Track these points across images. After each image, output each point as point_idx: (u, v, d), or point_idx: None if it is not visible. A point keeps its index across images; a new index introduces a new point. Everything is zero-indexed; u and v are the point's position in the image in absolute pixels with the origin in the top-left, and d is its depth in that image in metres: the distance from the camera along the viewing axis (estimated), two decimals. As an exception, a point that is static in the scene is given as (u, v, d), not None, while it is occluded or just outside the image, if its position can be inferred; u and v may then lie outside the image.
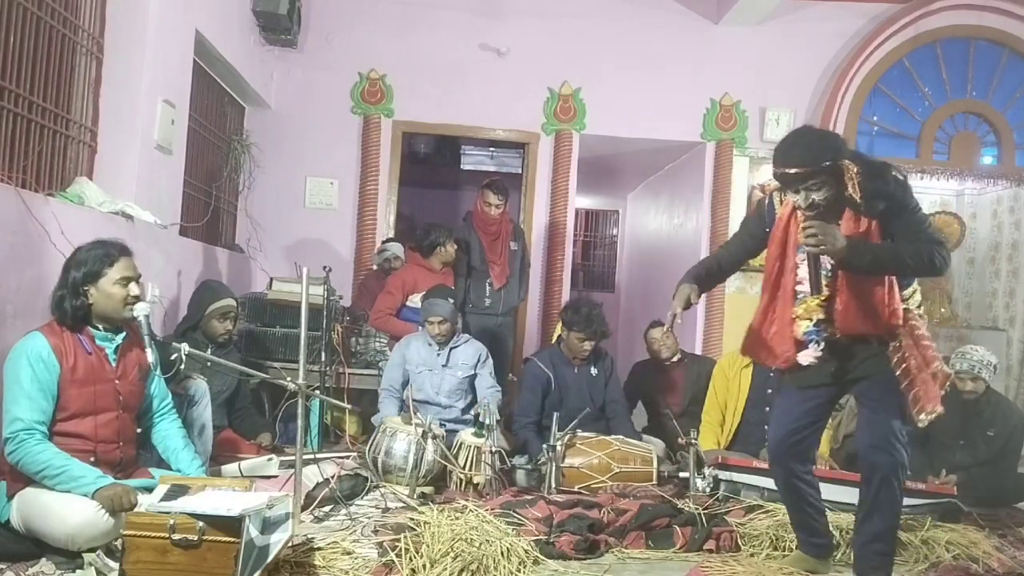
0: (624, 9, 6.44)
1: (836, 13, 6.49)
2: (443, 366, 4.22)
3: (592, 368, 4.36)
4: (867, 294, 2.50)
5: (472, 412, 4.12)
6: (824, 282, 2.52)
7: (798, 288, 2.60)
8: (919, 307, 2.63)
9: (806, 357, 2.61)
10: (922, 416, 2.44)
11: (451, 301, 4.23)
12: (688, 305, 2.69)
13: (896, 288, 2.52)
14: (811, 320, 2.56)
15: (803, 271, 2.58)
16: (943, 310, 7.73)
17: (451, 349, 4.25)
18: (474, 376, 4.27)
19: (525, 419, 4.19)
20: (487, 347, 4.42)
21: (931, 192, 8.04)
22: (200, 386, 3.34)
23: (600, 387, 4.36)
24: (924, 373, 2.49)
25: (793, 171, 2.45)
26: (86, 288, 2.56)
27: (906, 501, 3.55)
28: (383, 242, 6.00)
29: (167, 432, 2.87)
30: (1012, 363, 7.16)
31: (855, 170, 2.48)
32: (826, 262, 2.53)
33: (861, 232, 2.48)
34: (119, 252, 2.63)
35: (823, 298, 2.54)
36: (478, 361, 4.27)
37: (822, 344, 2.59)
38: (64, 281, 2.57)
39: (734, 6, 6.16)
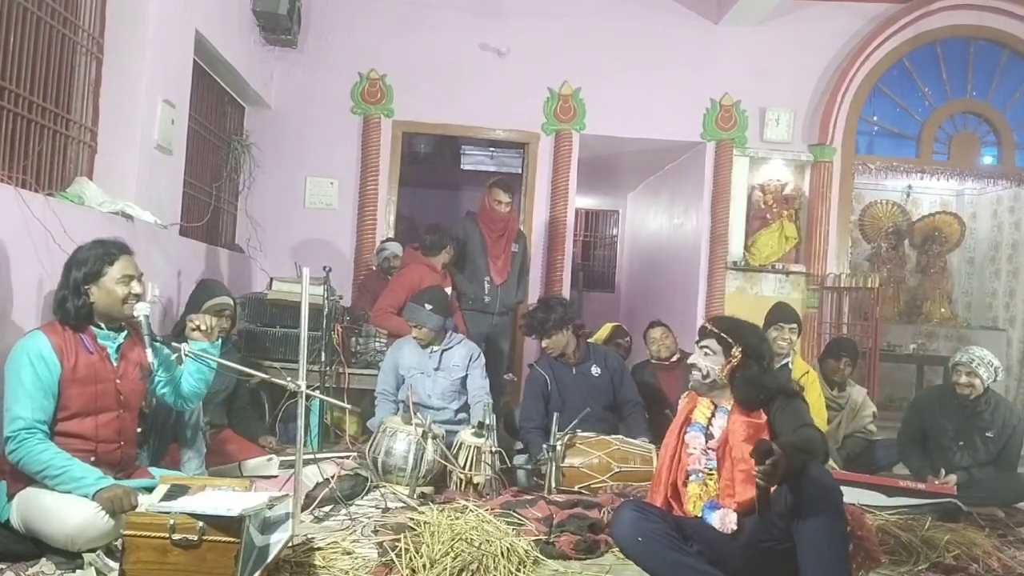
0: (624, 9, 6.44)
1: (836, 13, 6.50)
2: (435, 369, 4.20)
3: (593, 367, 4.35)
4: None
5: (470, 422, 4.10)
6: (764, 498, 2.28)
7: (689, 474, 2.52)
8: None
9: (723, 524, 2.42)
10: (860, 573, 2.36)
11: (429, 308, 4.11)
12: None
13: None
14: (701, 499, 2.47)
15: (693, 451, 2.52)
16: (943, 310, 7.74)
17: (443, 351, 4.23)
18: (466, 376, 4.25)
19: (529, 424, 4.18)
20: (483, 347, 4.41)
21: (931, 192, 8.06)
22: None
23: (603, 386, 4.33)
24: (866, 532, 2.45)
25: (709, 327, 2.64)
26: (87, 287, 2.55)
27: (906, 501, 3.60)
28: (382, 242, 6.00)
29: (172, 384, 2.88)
30: (1012, 363, 7.17)
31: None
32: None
33: (757, 425, 2.44)
34: (119, 251, 2.63)
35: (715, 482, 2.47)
36: (470, 361, 4.25)
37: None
38: (65, 281, 2.57)
39: (734, 6, 6.17)
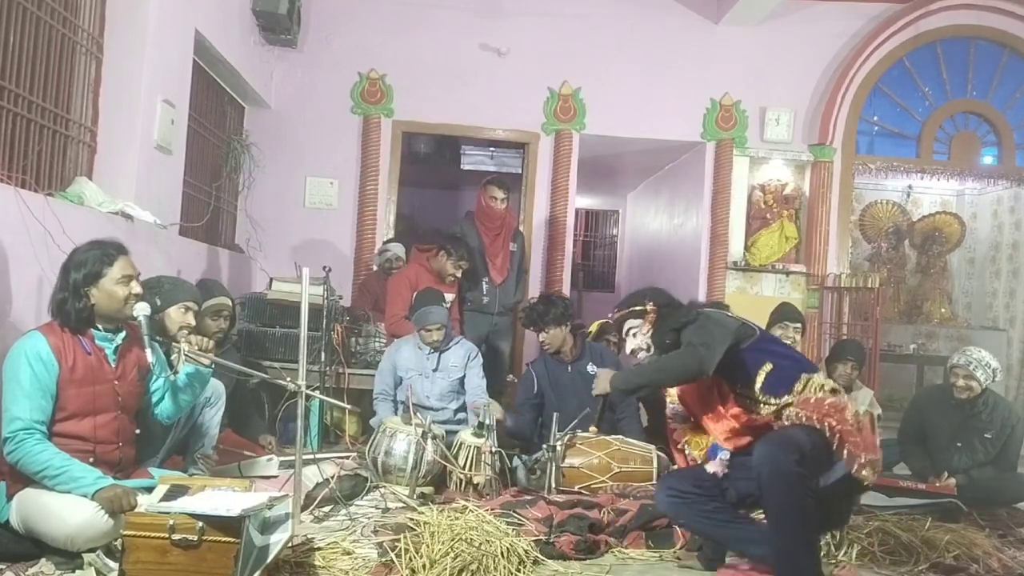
0: (624, 9, 6.44)
1: (836, 13, 6.50)
2: (434, 370, 4.21)
3: (589, 365, 4.36)
4: (708, 414, 2.59)
5: (469, 422, 4.11)
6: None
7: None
8: (818, 389, 2.46)
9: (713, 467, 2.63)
10: (865, 472, 2.32)
11: (443, 306, 4.19)
12: None
13: (728, 397, 2.54)
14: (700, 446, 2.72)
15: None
16: (943, 310, 7.75)
17: (441, 353, 4.24)
18: (464, 376, 4.26)
19: (520, 418, 4.25)
20: (482, 348, 4.42)
21: (931, 192, 8.06)
22: (217, 387, 3.31)
23: None
24: (844, 425, 2.36)
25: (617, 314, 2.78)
26: (87, 289, 2.54)
27: (906, 501, 3.60)
28: (384, 242, 6.00)
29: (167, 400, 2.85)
30: (1012, 363, 7.17)
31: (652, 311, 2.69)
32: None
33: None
34: (117, 251, 2.62)
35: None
36: (468, 360, 4.26)
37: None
38: (64, 284, 2.55)
39: (734, 6, 6.17)
